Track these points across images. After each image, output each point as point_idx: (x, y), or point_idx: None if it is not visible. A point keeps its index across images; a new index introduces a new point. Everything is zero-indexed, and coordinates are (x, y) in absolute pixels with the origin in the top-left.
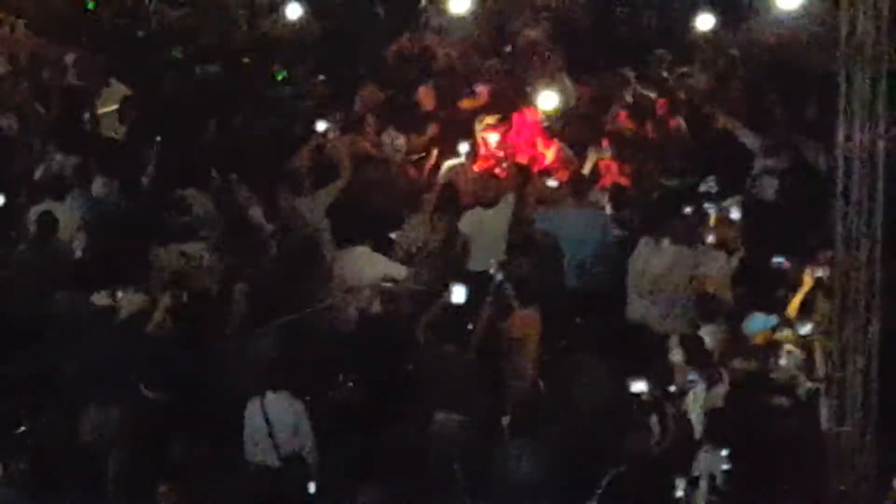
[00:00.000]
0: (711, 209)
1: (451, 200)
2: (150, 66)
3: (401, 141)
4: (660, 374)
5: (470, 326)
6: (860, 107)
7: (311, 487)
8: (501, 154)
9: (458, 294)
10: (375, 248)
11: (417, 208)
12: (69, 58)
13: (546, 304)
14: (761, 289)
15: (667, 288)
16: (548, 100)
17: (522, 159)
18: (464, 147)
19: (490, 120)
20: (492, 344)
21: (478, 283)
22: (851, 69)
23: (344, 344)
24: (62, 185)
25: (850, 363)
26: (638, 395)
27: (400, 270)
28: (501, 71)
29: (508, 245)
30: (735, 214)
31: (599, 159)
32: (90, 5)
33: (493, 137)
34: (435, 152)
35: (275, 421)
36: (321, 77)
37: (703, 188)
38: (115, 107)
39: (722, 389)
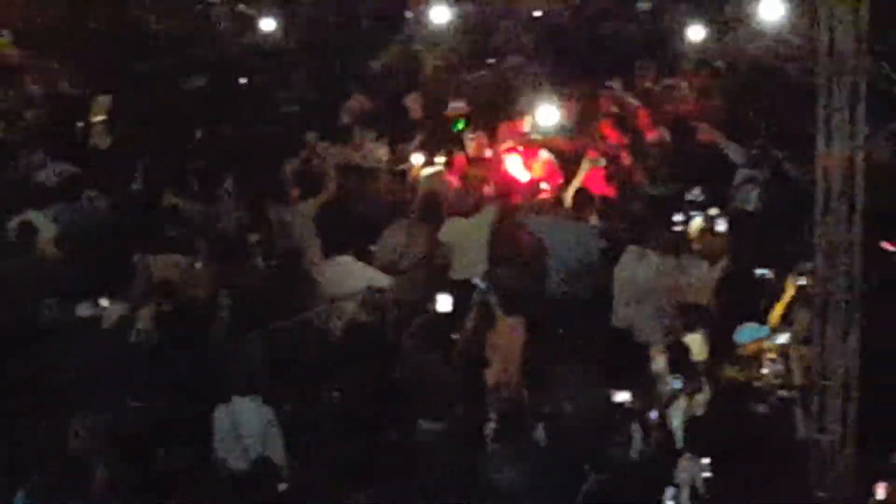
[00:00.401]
0: (697, 218)
1: (433, 209)
2: (137, 77)
3: (383, 150)
4: (643, 383)
5: (455, 336)
6: (840, 118)
7: (282, 487)
8: (487, 164)
9: (444, 303)
10: (359, 258)
11: (400, 217)
12: (59, 67)
13: (530, 314)
14: (745, 298)
15: (651, 297)
16: (534, 112)
17: (508, 171)
18: (440, 158)
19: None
20: (476, 353)
21: (462, 293)
22: (831, 81)
23: (329, 353)
24: (51, 194)
25: (830, 371)
26: (621, 405)
27: (383, 279)
28: (486, 83)
29: (492, 255)
30: (720, 225)
31: (591, 168)
32: None
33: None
34: (418, 161)
35: (242, 425)
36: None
37: (688, 197)
38: (103, 117)
39: (703, 398)
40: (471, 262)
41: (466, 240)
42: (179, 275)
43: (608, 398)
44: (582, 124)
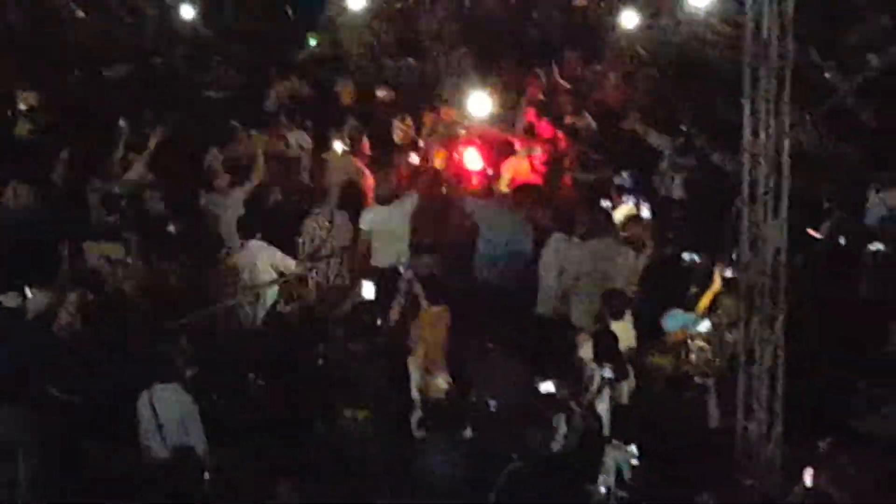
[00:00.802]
0: (627, 203)
1: (353, 197)
2: (59, 66)
3: (307, 138)
4: (569, 371)
5: (379, 322)
6: (765, 104)
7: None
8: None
9: (368, 290)
10: (282, 246)
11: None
12: None
13: (455, 302)
14: (671, 285)
15: (577, 284)
16: (463, 100)
17: (434, 160)
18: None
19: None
20: (400, 341)
21: (386, 281)
22: (757, 67)
23: (251, 341)
24: None
25: (757, 358)
26: (547, 394)
27: (290, 264)
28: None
29: (416, 242)
30: (644, 212)
31: (525, 156)
32: None
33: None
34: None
35: (162, 413)
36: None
37: (617, 181)
38: (26, 108)
39: (629, 386)
40: (393, 250)
41: (386, 227)
42: (108, 264)
43: (534, 387)
44: (509, 112)
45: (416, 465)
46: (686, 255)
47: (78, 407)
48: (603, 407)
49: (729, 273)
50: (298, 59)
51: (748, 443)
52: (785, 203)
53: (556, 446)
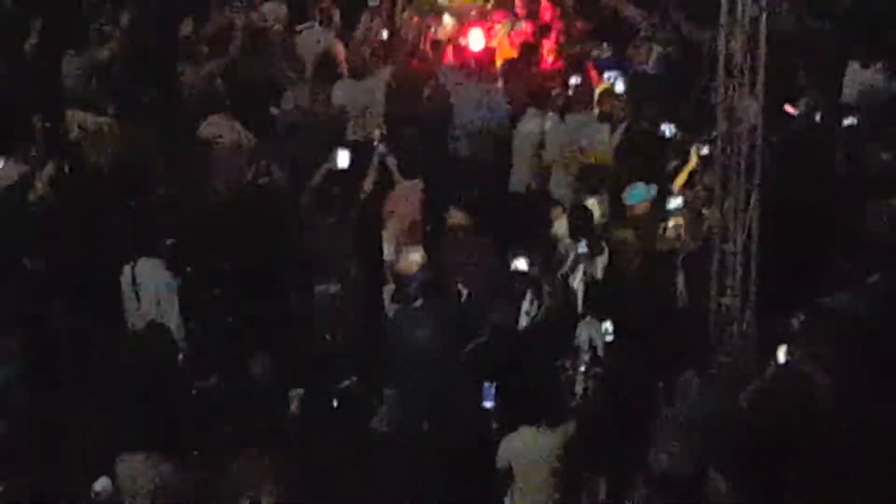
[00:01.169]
0: (608, 78)
1: (328, 70)
2: None
3: (283, 10)
4: (542, 246)
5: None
6: None
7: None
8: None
9: (343, 159)
10: (258, 122)
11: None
12: None
13: (429, 176)
14: (645, 160)
15: (552, 159)
16: None
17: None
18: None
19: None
20: (373, 214)
21: (360, 154)
22: None
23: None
24: None
25: (731, 235)
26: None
27: (248, 136)
28: None
29: (391, 116)
30: (619, 87)
31: (509, 32)
32: None
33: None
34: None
35: (141, 286)
36: None
37: (594, 53)
38: None
39: (602, 262)
40: (366, 123)
41: (359, 101)
42: (85, 135)
43: (506, 263)
44: None
45: (387, 338)
46: (664, 127)
47: (53, 278)
48: (577, 283)
49: (706, 150)
50: None
51: (722, 319)
52: (761, 78)
53: (523, 321)
